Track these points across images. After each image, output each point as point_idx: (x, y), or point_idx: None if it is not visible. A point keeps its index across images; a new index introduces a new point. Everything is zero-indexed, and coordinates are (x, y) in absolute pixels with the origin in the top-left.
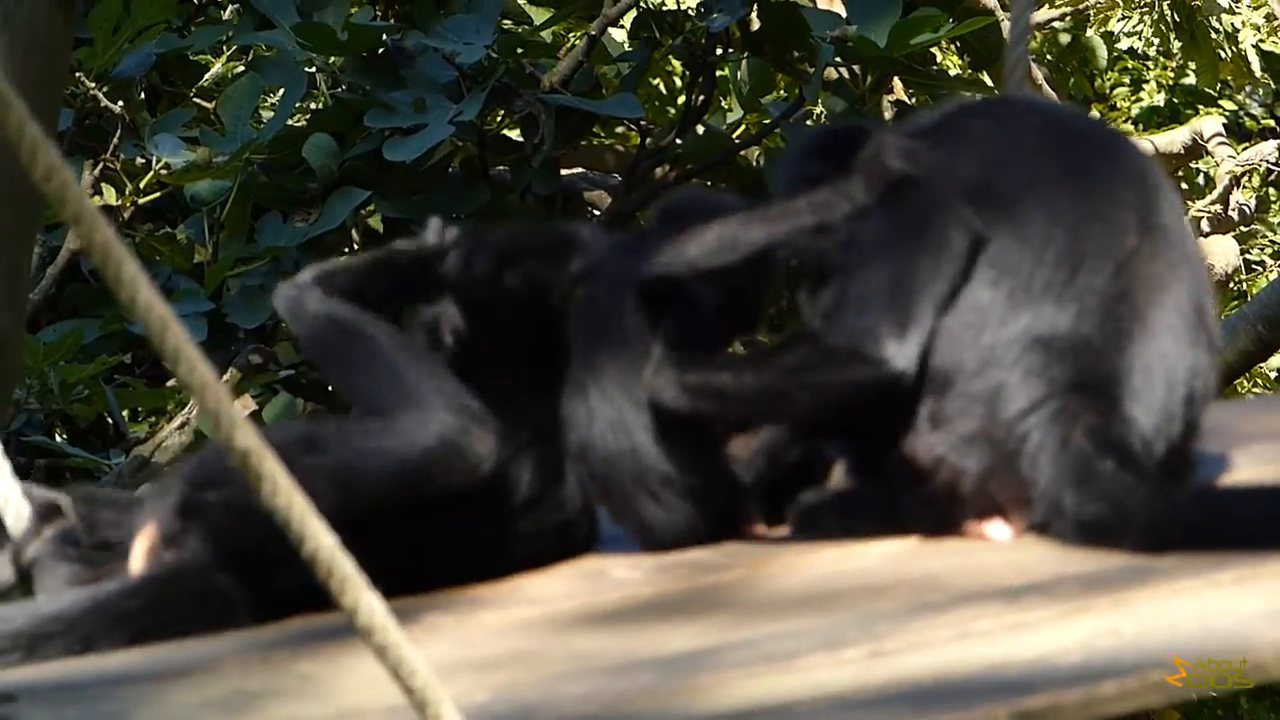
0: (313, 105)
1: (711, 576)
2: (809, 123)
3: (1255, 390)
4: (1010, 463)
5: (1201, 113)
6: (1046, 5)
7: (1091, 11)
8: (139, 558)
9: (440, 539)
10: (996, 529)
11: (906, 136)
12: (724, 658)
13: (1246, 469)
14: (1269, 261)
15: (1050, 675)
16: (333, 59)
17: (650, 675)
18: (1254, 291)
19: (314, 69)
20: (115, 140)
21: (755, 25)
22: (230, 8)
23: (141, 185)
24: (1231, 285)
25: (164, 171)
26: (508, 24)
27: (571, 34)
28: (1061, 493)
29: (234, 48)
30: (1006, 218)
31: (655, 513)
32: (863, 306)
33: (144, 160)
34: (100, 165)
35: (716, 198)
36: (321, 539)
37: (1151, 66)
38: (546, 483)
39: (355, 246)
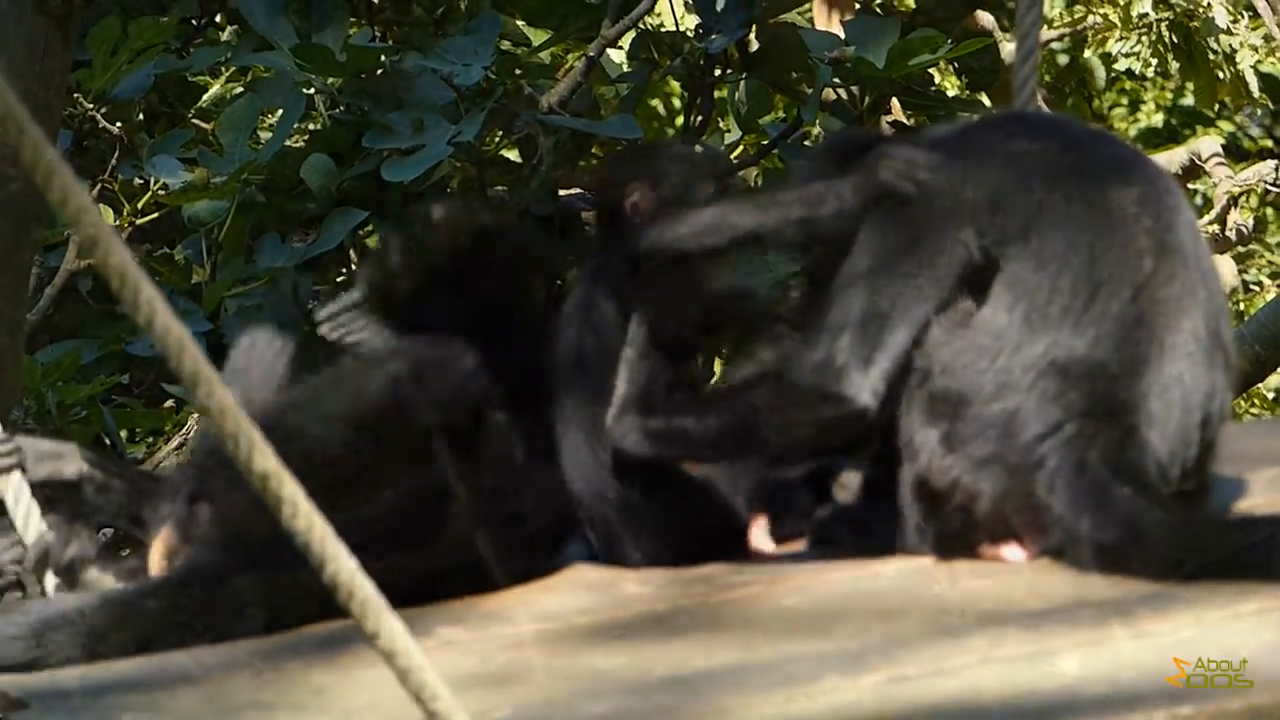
0: (311, 126)
1: (726, 593)
2: (807, 144)
3: (1253, 411)
4: (1026, 487)
5: (1199, 133)
6: (1046, 26)
7: (1090, 33)
8: (156, 560)
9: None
10: (1010, 552)
11: (918, 149)
12: (746, 679)
13: (1259, 495)
14: (1266, 281)
15: (1074, 706)
16: (331, 80)
17: (672, 695)
18: (1251, 312)
19: (312, 90)
20: (113, 161)
21: (754, 46)
22: (229, 29)
23: (139, 206)
24: (1229, 305)
25: (162, 192)
26: (506, 45)
27: (570, 55)
28: (1078, 518)
29: (232, 69)
30: (1022, 240)
31: (628, 535)
32: (835, 336)
33: (142, 181)
34: (98, 186)
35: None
36: (343, 561)
37: (1149, 87)
38: (532, 458)
39: (353, 267)
